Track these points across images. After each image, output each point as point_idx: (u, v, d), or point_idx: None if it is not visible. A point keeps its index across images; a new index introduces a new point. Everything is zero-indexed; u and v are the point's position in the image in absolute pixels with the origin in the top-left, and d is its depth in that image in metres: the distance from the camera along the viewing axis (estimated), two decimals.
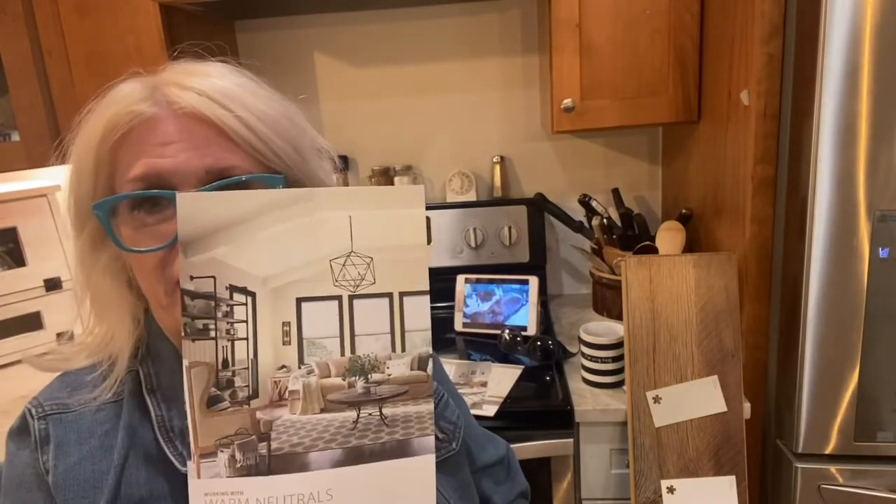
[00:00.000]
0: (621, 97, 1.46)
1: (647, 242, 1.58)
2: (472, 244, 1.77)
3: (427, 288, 0.43)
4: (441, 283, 1.74)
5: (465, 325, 1.67)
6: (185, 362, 0.40)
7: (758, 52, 1.14)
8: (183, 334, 0.41)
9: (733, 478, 1.17)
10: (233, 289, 0.41)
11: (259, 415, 0.41)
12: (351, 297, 0.42)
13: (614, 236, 1.66)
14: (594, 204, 1.69)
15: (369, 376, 0.43)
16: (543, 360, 1.44)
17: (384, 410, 0.43)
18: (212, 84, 0.55)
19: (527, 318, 1.61)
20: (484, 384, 1.36)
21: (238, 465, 0.41)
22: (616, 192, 1.75)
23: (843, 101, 1.01)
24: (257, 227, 0.41)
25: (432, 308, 1.57)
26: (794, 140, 1.12)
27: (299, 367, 0.42)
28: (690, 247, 1.57)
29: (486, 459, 0.77)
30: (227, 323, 0.41)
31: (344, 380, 0.42)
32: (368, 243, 0.42)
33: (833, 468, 1.15)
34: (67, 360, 0.60)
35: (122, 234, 0.54)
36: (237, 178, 0.53)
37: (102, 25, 1.42)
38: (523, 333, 1.53)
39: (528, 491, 0.83)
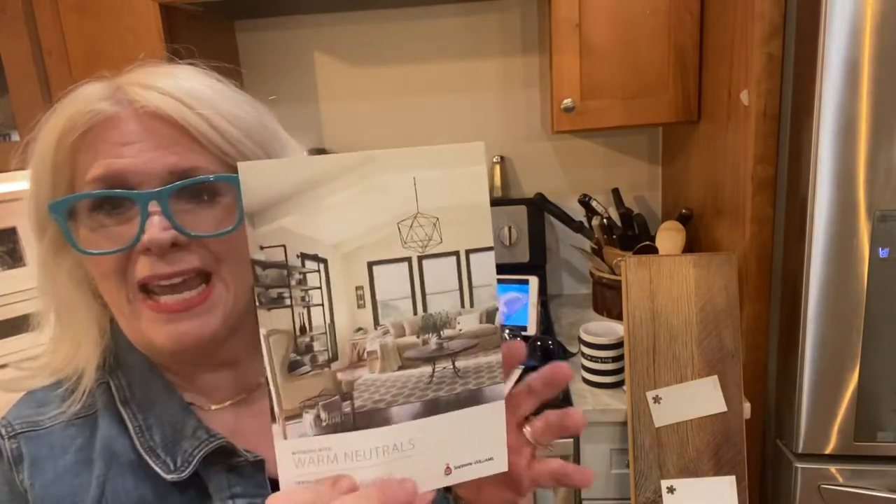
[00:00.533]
0: (621, 97, 1.46)
1: (647, 242, 1.58)
2: None
3: (491, 244, 0.44)
4: None
5: None
6: (263, 331, 0.41)
7: (758, 52, 1.14)
8: (258, 304, 0.41)
9: (733, 478, 1.17)
10: (304, 256, 0.42)
11: (340, 376, 0.43)
12: (420, 258, 0.43)
13: (614, 236, 1.66)
14: (594, 204, 1.69)
15: (441, 332, 0.44)
16: (543, 360, 1.44)
17: (457, 363, 0.45)
18: (177, 84, 0.53)
19: (527, 318, 1.61)
20: None
21: (324, 424, 0.42)
22: (616, 192, 1.75)
23: (843, 101, 1.01)
24: (322, 195, 0.41)
25: None
26: (794, 140, 1.12)
27: (375, 329, 0.43)
28: (690, 247, 1.57)
29: None
30: (302, 290, 0.42)
31: (418, 337, 0.44)
32: (433, 203, 0.43)
33: (833, 468, 1.15)
34: (32, 379, 0.58)
35: (80, 238, 0.52)
36: (203, 178, 0.52)
37: (102, 25, 1.42)
38: (523, 333, 1.53)
39: None
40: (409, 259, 0.43)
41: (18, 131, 1.41)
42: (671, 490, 1.18)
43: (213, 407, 0.61)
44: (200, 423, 0.56)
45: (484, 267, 0.44)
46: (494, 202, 1.80)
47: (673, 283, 1.23)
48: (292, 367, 0.42)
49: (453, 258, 0.44)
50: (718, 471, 1.18)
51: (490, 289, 0.45)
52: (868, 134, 1.02)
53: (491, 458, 0.46)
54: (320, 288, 0.42)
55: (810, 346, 1.11)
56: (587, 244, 1.75)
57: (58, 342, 0.57)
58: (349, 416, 0.43)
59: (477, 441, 0.46)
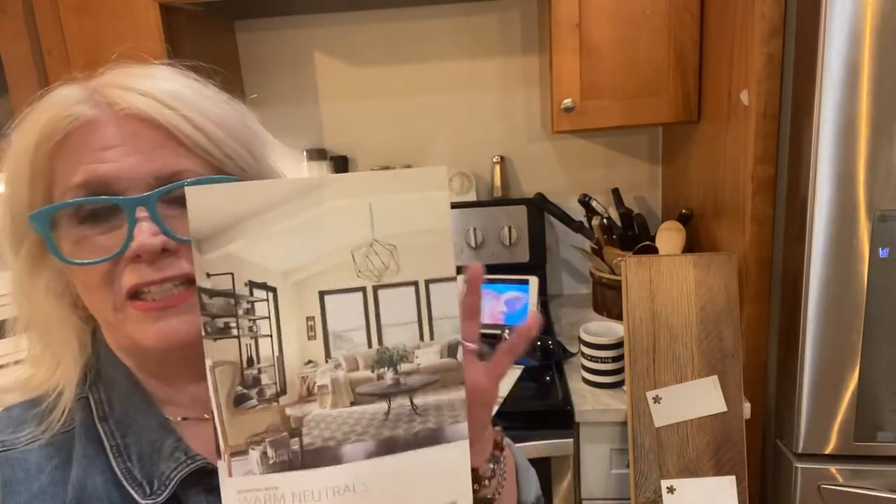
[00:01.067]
0: (621, 97, 1.46)
1: (647, 242, 1.58)
2: (472, 244, 1.77)
3: (453, 273, 0.42)
4: None
5: None
6: (209, 362, 0.40)
7: (758, 52, 1.14)
8: (203, 333, 0.40)
9: (733, 478, 1.17)
10: (252, 285, 0.40)
11: (289, 411, 0.41)
12: (375, 288, 0.41)
13: (614, 236, 1.66)
14: (594, 204, 1.69)
15: (398, 367, 0.42)
16: (543, 360, 1.43)
17: (415, 400, 0.42)
18: (156, 85, 0.51)
19: (527, 318, 1.61)
20: None
21: (271, 462, 0.41)
22: (616, 192, 1.75)
23: (843, 101, 1.01)
24: (273, 220, 0.40)
25: None
26: (794, 140, 1.12)
27: (326, 362, 0.41)
28: (690, 247, 1.57)
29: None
30: (249, 320, 0.40)
31: (373, 371, 0.42)
32: (390, 230, 0.41)
33: (833, 468, 1.15)
34: (10, 394, 0.56)
35: (63, 248, 0.50)
36: (192, 181, 0.50)
37: (102, 25, 1.42)
38: None
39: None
40: (363, 289, 0.41)
41: None
42: (671, 490, 1.18)
43: (197, 418, 0.58)
44: (179, 443, 0.54)
45: (445, 297, 0.41)
46: (495, 202, 1.80)
47: (673, 283, 1.23)
48: (239, 401, 0.40)
49: (412, 288, 0.42)
50: (718, 471, 1.18)
51: (452, 321, 0.42)
52: (868, 134, 1.02)
53: (454, 502, 0.43)
54: (269, 318, 0.40)
55: (810, 346, 1.11)
56: (587, 244, 1.75)
57: (37, 358, 0.55)
58: (297, 453, 0.41)
59: (437, 483, 0.43)
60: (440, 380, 0.43)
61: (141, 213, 0.49)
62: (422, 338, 0.42)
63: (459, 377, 0.43)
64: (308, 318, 0.41)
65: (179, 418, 0.58)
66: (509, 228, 1.76)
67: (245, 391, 0.40)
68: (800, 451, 1.16)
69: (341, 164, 1.83)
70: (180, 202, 0.50)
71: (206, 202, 0.39)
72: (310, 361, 0.41)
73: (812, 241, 1.07)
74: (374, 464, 0.42)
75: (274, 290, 0.40)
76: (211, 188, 0.41)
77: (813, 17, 1.02)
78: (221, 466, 0.40)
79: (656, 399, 1.20)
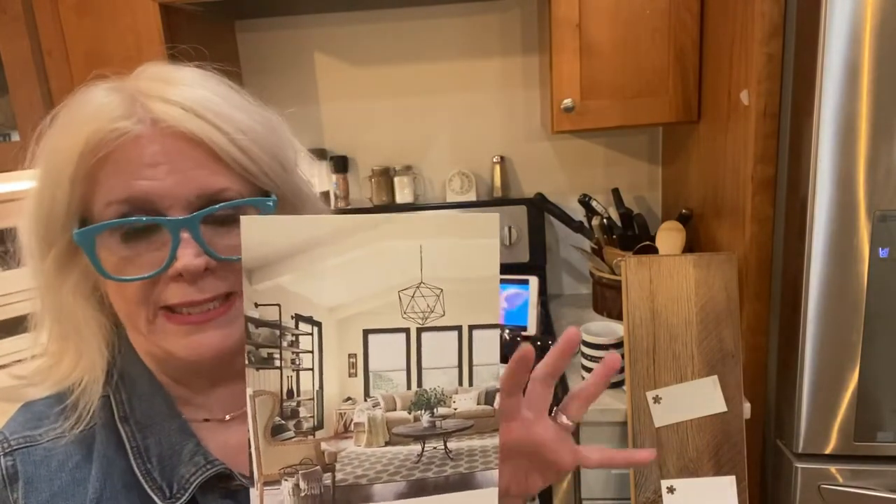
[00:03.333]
0: (621, 97, 1.46)
1: (647, 242, 1.58)
2: None
3: (497, 321, 0.42)
4: None
5: None
6: (249, 391, 0.40)
7: (758, 52, 1.14)
8: (247, 363, 0.40)
9: (733, 478, 1.17)
10: (298, 318, 0.40)
11: (324, 446, 0.41)
12: (419, 330, 0.41)
13: (614, 236, 1.66)
14: (594, 204, 1.69)
15: (435, 410, 0.42)
16: None
17: (449, 444, 0.43)
18: (195, 96, 0.52)
19: (527, 318, 1.61)
20: None
21: (302, 494, 0.41)
22: (616, 192, 1.75)
23: (843, 101, 1.01)
24: (324, 256, 0.40)
25: None
26: (794, 140, 1.12)
27: (365, 400, 0.41)
28: (690, 247, 1.57)
29: None
30: (293, 353, 0.41)
31: (409, 413, 0.42)
32: (438, 273, 0.41)
33: (833, 468, 1.15)
34: (32, 388, 0.56)
35: (103, 261, 0.51)
36: (235, 203, 0.51)
37: (102, 25, 1.42)
38: (523, 333, 1.53)
39: None
40: (407, 330, 0.41)
41: (18, 131, 1.41)
42: (671, 490, 1.18)
43: (217, 421, 0.59)
44: (199, 447, 0.55)
45: (487, 344, 0.41)
46: (495, 202, 1.80)
47: (673, 283, 1.23)
48: (276, 431, 0.40)
49: (455, 333, 0.42)
50: (718, 471, 1.18)
51: (492, 368, 0.42)
52: (868, 134, 1.02)
53: None
54: (312, 352, 0.41)
55: (810, 346, 1.11)
56: (587, 244, 1.75)
57: (61, 354, 0.56)
58: (329, 489, 0.41)
59: None
60: (475, 426, 0.43)
61: (184, 233, 0.50)
62: (461, 383, 0.42)
63: (494, 424, 0.43)
64: (350, 356, 0.41)
65: (201, 419, 0.59)
66: (509, 228, 1.76)
67: (282, 422, 0.41)
68: (800, 451, 1.16)
69: (341, 164, 1.83)
70: (221, 221, 0.52)
71: (259, 233, 0.39)
72: (349, 398, 0.41)
73: (812, 241, 1.07)
74: None
75: (319, 324, 0.41)
76: (265, 220, 0.42)
77: (813, 17, 1.02)
78: (254, 495, 0.41)
79: (656, 399, 1.20)
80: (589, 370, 1.32)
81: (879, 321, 1.07)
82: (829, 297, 1.08)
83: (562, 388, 1.33)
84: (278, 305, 0.40)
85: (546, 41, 1.53)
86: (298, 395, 0.41)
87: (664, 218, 1.82)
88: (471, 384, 0.42)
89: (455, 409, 0.42)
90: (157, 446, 0.54)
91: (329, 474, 0.41)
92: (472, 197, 1.83)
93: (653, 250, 1.54)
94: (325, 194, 1.85)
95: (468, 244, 0.41)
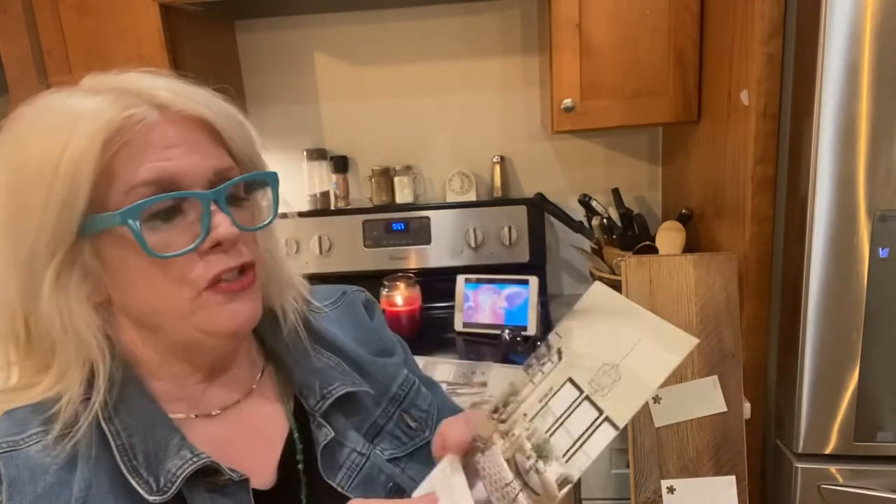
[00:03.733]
0: (621, 97, 1.46)
1: (647, 242, 1.58)
2: (472, 244, 1.77)
3: (621, 426, 0.44)
4: (441, 283, 1.74)
5: (465, 325, 1.67)
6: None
7: (758, 52, 1.14)
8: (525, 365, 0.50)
9: (733, 478, 1.17)
10: (560, 351, 0.49)
11: (501, 427, 0.49)
12: (586, 397, 0.46)
13: (614, 236, 1.66)
14: (594, 204, 1.69)
15: (538, 463, 0.46)
16: None
17: (519, 496, 0.46)
18: (190, 90, 0.56)
19: (527, 318, 1.61)
20: (484, 384, 1.36)
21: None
22: (616, 192, 1.75)
23: (843, 101, 1.01)
24: (599, 319, 0.48)
25: (433, 309, 1.57)
26: (794, 140, 1.12)
27: (529, 421, 0.47)
28: (690, 247, 1.57)
29: None
30: (539, 367, 0.50)
31: (531, 450, 0.47)
32: (629, 365, 0.45)
33: (833, 468, 1.15)
34: (17, 396, 0.56)
35: (147, 241, 0.52)
36: (260, 175, 0.57)
37: (102, 25, 1.42)
38: (523, 333, 1.53)
39: None
40: (581, 393, 0.46)
41: None
42: (671, 490, 1.18)
43: (204, 416, 0.61)
44: (185, 441, 0.55)
45: (601, 440, 0.44)
46: (495, 202, 1.80)
47: (673, 282, 1.23)
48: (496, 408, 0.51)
49: (595, 415, 0.45)
50: (718, 471, 1.18)
51: (586, 460, 0.45)
52: (868, 134, 1.02)
53: None
54: (544, 373, 0.49)
55: (810, 346, 1.11)
56: (587, 244, 1.75)
57: (49, 361, 0.55)
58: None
59: None
60: (541, 497, 0.45)
61: (213, 205, 0.54)
62: (563, 455, 0.45)
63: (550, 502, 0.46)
64: (551, 388, 0.48)
65: (193, 415, 0.60)
66: (509, 228, 1.76)
67: (498, 406, 0.51)
68: (800, 451, 1.16)
69: (341, 164, 1.83)
70: (232, 198, 0.56)
71: (600, 298, 0.48)
72: (525, 414, 0.48)
73: (812, 241, 1.07)
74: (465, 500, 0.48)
75: (562, 357, 0.49)
76: (612, 293, 0.49)
77: (813, 17, 1.02)
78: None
79: (656, 399, 1.20)
80: None
81: (879, 321, 1.07)
82: (829, 297, 1.08)
83: None
84: (560, 336, 0.49)
85: (546, 41, 1.53)
86: (520, 396, 0.49)
87: (664, 218, 1.82)
88: (567, 461, 0.45)
89: (544, 472, 0.45)
90: (143, 444, 0.54)
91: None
92: (472, 197, 1.83)
93: (653, 250, 1.54)
94: (325, 194, 1.85)
95: (660, 353, 0.45)
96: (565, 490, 0.45)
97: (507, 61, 1.79)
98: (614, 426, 0.43)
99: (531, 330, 1.59)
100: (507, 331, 1.51)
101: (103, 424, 0.54)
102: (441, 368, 1.44)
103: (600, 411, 0.44)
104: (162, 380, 0.59)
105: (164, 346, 0.58)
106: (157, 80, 0.56)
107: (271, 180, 0.60)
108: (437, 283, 1.75)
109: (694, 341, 0.44)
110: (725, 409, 1.18)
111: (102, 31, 1.42)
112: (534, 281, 1.62)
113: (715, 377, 1.19)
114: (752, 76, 1.15)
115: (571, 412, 0.46)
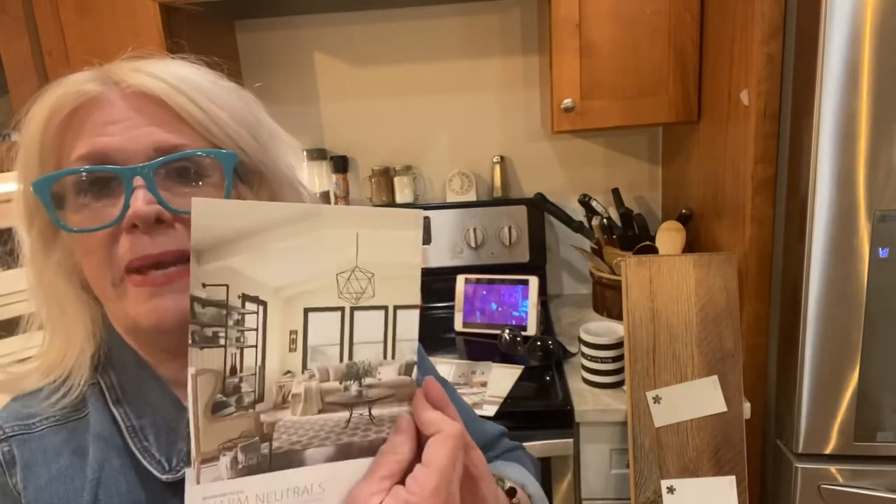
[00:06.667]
0: (621, 97, 1.46)
1: (647, 242, 1.58)
2: (472, 244, 1.77)
3: (418, 302, 0.47)
4: (441, 283, 1.74)
5: (465, 325, 1.67)
6: (192, 370, 0.41)
7: (758, 52, 1.14)
8: (190, 342, 0.41)
9: (733, 478, 1.17)
10: (245, 298, 0.43)
11: (263, 417, 0.44)
12: (352, 309, 0.45)
13: (614, 236, 1.66)
14: (594, 204, 1.69)
15: (363, 381, 0.46)
16: (543, 360, 1.43)
17: (373, 411, 0.47)
18: (166, 69, 0.54)
19: (527, 318, 1.61)
20: (484, 384, 1.36)
21: (240, 467, 0.43)
22: (616, 192, 1.75)
23: (843, 101, 1.01)
24: (272, 240, 0.43)
25: (433, 308, 1.57)
26: (794, 140, 1.12)
27: (303, 373, 0.44)
28: (690, 247, 1.57)
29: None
30: (238, 331, 0.43)
31: (341, 384, 0.46)
32: (371, 259, 0.45)
33: (833, 468, 1.15)
34: (26, 379, 0.56)
35: (67, 220, 0.52)
36: (189, 153, 0.52)
37: (102, 25, 1.42)
38: (523, 333, 1.53)
39: (505, 432, 0.80)
40: (342, 309, 0.45)
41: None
42: (671, 490, 1.18)
43: None
44: None
45: (409, 322, 0.46)
46: (495, 202, 1.80)
47: (673, 282, 1.23)
48: (216, 408, 0.42)
49: (382, 312, 0.46)
50: (718, 471, 1.18)
51: (411, 343, 0.47)
52: (868, 134, 1.02)
53: None
54: (256, 330, 0.43)
55: (810, 346, 1.11)
56: (587, 244, 1.75)
57: (49, 341, 0.56)
58: (266, 457, 0.43)
59: None
60: (395, 394, 0.47)
61: (138, 182, 0.50)
62: (385, 356, 0.47)
63: (412, 393, 0.48)
64: (291, 332, 0.44)
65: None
66: (509, 228, 1.76)
67: (224, 399, 0.43)
68: (800, 451, 1.16)
69: (341, 164, 1.83)
70: (181, 177, 0.52)
71: (210, 216, 0.41)
72: (288, 372, 0.44)
73: (812, 241, 1.07)
74: (331, 467, 0.45)
75: (265, 304, 0.43)
76: (217, 202, 0.43)
77: (813, 17, 1.02)
78: (190, 474, 0.42)
79: (656, 399, 1.20)
80: (589, 370, 1.32)
81: (879, 321, 1.07)
82: (829, 297, 1.08)
83: (561, 389, 1.33)
84: (226, 286, 0.42)
85: (546, 41, 1.53)
86: (241, 371, 0.43)
87: (664, 218, 1.82)
88: (393, 357, 0.47)
89: (379, 380, 0.46)
90: (153, 426, 0.55)
91: (266, 444, 0.44)
92: (472, 197, 1.83)
93: (653, 250, 1.54)
94: (325, 194, 1.85)
95: (396, 235, 0.46)
96: (415, 372, 0.47)
97: (507, 61, 1.79)
98: (410, 306, 0.45)
99: (531, 330, 1.59)
100: (507, 331, 1.51)
101: (112, 407, 0.55)
102: (441, 368, 1.44)
103: (382, 307, 0.45)
104: (158, 362, 0.58)
105: (124, 328, 0.57)
106: (140, 61, 0.54)
107: (223, 160, 0.53)
108: (437, 283, 1.75)
109: (419, 213, 0.46)
110: (725, 409, 1.18)
111: (102, 31, 1.42)
112: (534, 281, 1.62)
113: (715, 377, 1.19)
114: (752, 76, 1.15)
115: (350, 330, 0.45)
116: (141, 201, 0.49)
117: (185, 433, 0.52)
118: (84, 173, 0.51)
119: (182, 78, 0.53)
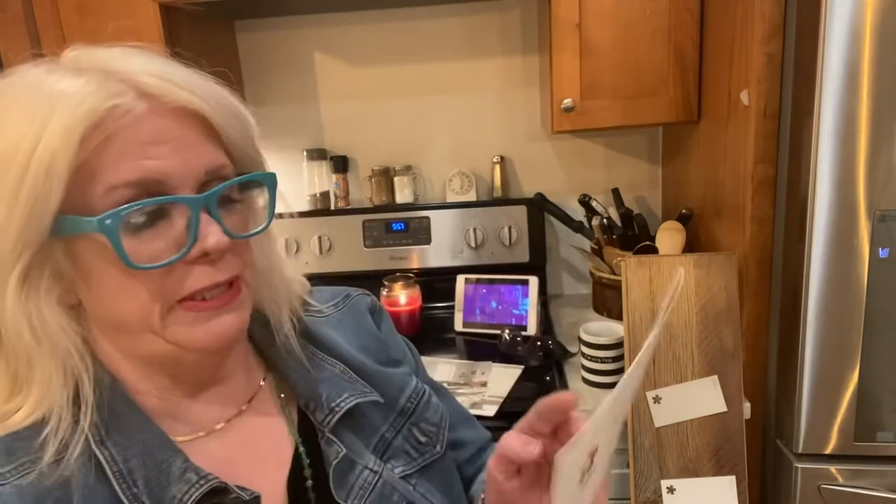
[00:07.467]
0: (621, 97, 1.46)
1: (647, 242, 1.58)
2: (472, 244, 1.77)
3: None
4: (441, 282, 1.73)
5: (465, 324, 1.67)
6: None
7: (758, 52, 1.14)
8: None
9: (733, 478, 1.17)
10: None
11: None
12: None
13: (614, 236, 1.66)
14: (594, 204, 1.69)
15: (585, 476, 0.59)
16: (543, 360, 1.43)
17: (593, 475, 0.63)
18: (186, 77, 0.50)
19: (527, 318, 1.61)
20: (484, 384, 1.36)
21: None
22: (616, 192, 1.75)
23: (843, 101, 1.01)
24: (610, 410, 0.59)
25: (433, 308, 1.57)
26: (794, 140, 1.12)
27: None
28: (690, 247, 1.57)
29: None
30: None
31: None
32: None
33: (833, 468, 1.15)
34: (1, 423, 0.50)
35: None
36: (249, 176, 0.51)
37: (102, 25, 1.42)
38: (523, 333, 1.52)
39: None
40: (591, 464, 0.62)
41: None
42: (671, 490, 1.18)
43: (201, 434, 0.56)
44: (188, 463, 0.51)
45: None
46: (495, 202, 1.80)
47: (673, 283, 1.23)
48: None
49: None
50: (718, 471, 1.18)
51: (596, 480, 0.65)
52: (868, 134, 1.02)
53: None
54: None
55: (810, 346, 1.11)
56: (587, 244, 1.75)
57: (30, 380, 0.50)
58: None
59: None
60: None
61: (202, 212, 0.48)
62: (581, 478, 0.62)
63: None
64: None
65: (189, 433, 0.56)
66: (509, 228, 1.76)
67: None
68: (800, 451, 1.16)
69: (341, 164, 1.83)
70: (226, 199, 0.51)
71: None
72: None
73: (812, 241, 1.07)
74: None
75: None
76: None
77: (813, 17, 1.02)
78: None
79: (656, 399, 1.20)
80: (589, 370, 1.32)
81: (879, 321, 1.07)
82: (829, 297, 1.08)
83: (561, 389, 1.33)
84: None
85: (546, 41, 1.53)
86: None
87: (664, 218, 1.82)
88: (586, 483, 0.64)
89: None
90: (142, 468, 0.50)
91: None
92: (472, 197, 1.83)
93: (653, 250, 1.54)
94: (325, 194, 1.85)
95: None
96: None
97: (507, 61, 1.79)
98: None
99: (531, 330, 1.59)
100: (507, 331, 1.51)
101: (95, 449, 0.49)
102: (441, 368, 1.44)
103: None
104: (146, 395, 0.54)
105: (141, 358, 0.53)
106: (147, 62, 0.49)
107: (268, 182, 0.54)
108: (437, 283, 1.75)
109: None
110: (725, 408, 1.18)
111: (102, 32, 1.41)
112: (534, 281, 1.62)
113: (715, 377, 1.19)
114: (752, 76, 1.15)
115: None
116: (218, 231, 0.48)
117: (177, 475, 0.50)
118: (148, 204, 0.46)
119: (205, 89, 0.50)
